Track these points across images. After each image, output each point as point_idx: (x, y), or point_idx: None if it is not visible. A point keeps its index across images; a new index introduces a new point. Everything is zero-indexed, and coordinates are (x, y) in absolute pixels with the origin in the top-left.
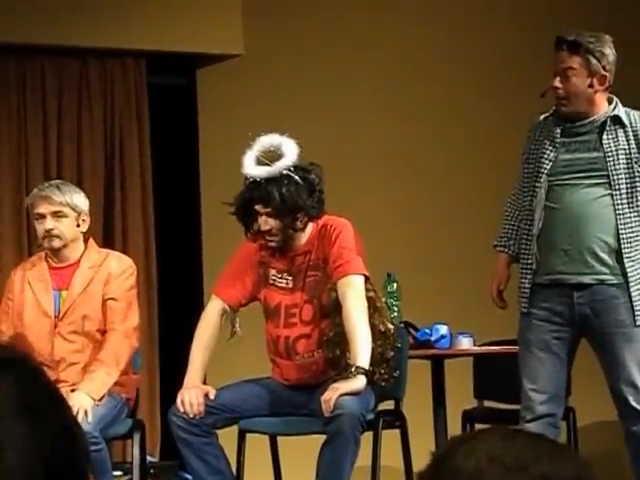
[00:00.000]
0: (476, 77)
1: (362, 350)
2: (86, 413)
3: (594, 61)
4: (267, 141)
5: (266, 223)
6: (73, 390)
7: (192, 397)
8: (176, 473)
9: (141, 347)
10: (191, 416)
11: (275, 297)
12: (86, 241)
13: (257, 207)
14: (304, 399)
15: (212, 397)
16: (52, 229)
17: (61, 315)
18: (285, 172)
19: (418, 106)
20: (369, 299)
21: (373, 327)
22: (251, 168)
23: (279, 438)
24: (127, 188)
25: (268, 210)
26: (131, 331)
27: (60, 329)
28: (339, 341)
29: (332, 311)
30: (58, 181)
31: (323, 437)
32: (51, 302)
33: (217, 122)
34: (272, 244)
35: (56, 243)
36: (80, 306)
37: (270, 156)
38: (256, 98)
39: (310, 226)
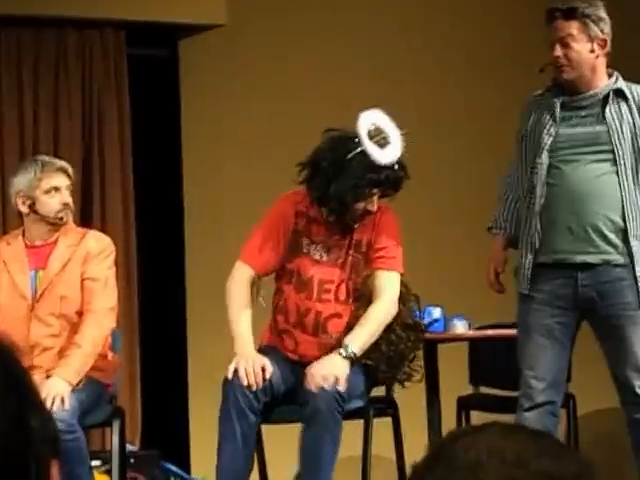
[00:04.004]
0: (474, 55)
1: (363, 336)
2: (62, 400)
3: (592, 25)
4: (364, 125)
5: (376, 203)
6: (48, 376)
7: (254, 366)
8: (157, 463)
9: (120, 330)
10: (253, 387)
11: (309, 268)
12: None
13: (375, 190)
14: (297, 378)
15: (268, 376)
16: (69, 203)
17: (38, 296)
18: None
19: (413, 81)
20: (400, 294)
21: (403, 320)
22: (383, 155)
23: (263, 427)
24: (106, 163)
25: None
26: (107, 311)
27: (37, 311)
28: None
29: (360, 297)
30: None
31: None
32: (28, 283)
33: (200, 94)
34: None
35: (69, 216)
36: (57, 287)
37: (384, 136)
38: (240, 69)
39: None
